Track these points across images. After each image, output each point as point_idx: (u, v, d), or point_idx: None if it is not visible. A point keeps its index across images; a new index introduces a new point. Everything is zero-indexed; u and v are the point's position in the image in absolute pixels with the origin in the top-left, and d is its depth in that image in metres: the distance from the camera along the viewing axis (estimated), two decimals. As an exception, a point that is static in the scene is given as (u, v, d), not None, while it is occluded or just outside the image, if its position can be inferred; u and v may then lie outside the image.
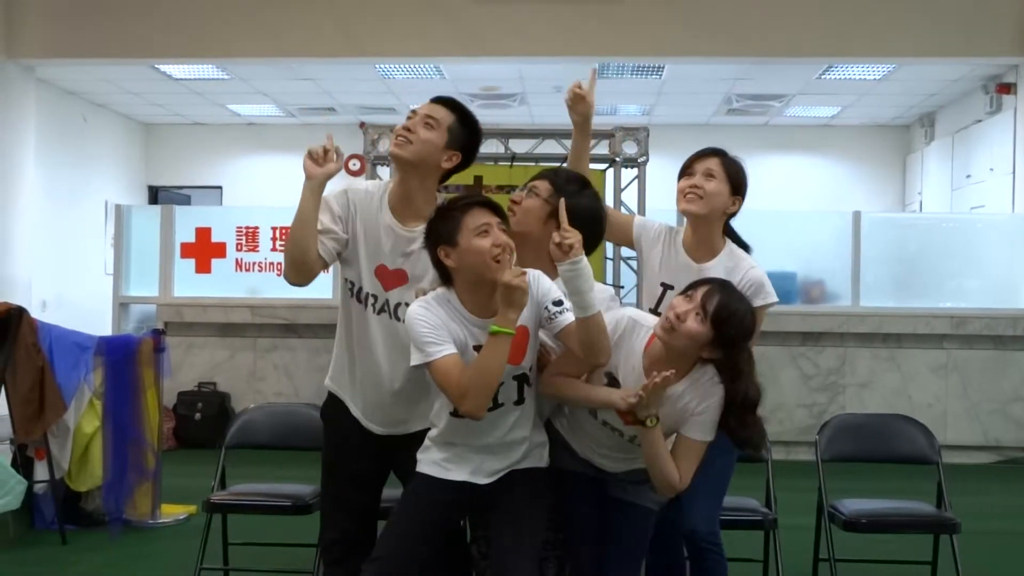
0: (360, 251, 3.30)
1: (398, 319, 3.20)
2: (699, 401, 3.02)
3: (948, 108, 12.12)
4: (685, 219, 3.53)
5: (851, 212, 8.96)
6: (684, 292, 3.05)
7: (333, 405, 3.45)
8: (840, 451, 4.49)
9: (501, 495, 3.08)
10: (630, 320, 3.10)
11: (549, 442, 3.19)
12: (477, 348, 2.96)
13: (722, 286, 3.05)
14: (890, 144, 13.66)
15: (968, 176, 11.18)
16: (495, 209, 3.00)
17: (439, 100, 3.39)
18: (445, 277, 3.02)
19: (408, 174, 3.31)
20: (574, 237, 2.92)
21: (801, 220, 9.51)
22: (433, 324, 2.93)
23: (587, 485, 3.21)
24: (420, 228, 3.14)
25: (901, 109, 12.65)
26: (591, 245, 3.17)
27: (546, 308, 2.97)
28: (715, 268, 3.39)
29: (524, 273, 2.89)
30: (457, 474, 3.06)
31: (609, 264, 7.77)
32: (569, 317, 2.95)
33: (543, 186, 3.26)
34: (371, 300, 3.29)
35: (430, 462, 3.10)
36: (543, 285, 3.01)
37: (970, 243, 9.28)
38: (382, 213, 3.29)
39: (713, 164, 3.45)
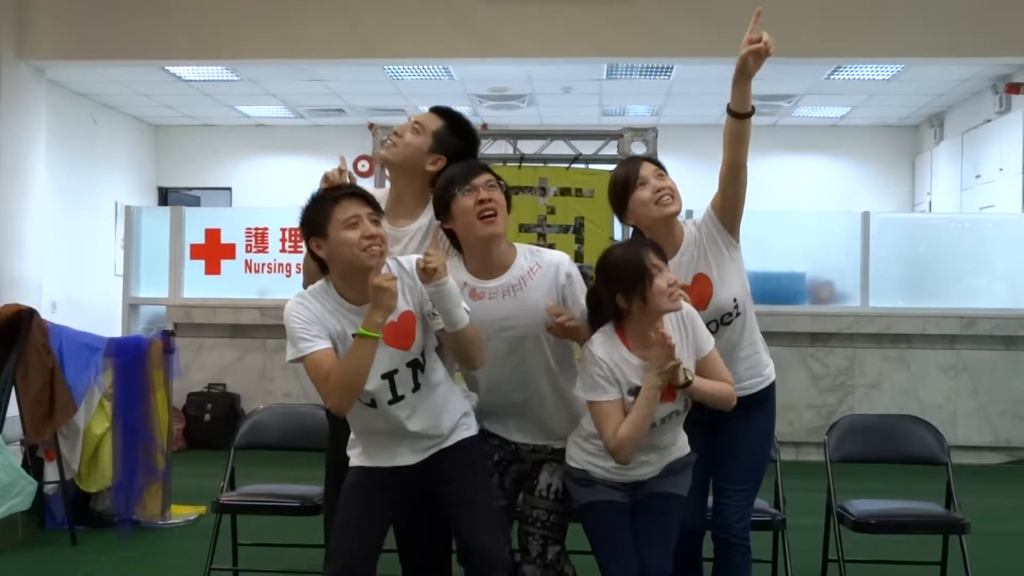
0: None
1: None
2: (687, 327, 3.22)
3: (957, 108, 12.08)
4: (647, 234, 3.46)
5: (860, 212, 8.94)
6: (652, 270, 3.11)
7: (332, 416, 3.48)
8: (849, 452, 4.48)
9: (436, 480, 3.14)
10: (594, 347, 3.17)
11: (576, 481, 3.24)
12: (355, 336, 2.99)
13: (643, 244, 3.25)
14: (899, 144, 13.63)
15: (977, 176, 11.15)
16: (367, 199, 3.07)
17: (434, 108, 3.55)
18: (322, 268, 3.09)
19: (396, 176, 3.53)
20: (437, 260, 2.99)
21: (810, 220, 9.50)
22: (306, 319, 3.01)
23: (621, 510, 3.23)
24: (408, 227, 3.38)
25: (910, 109, 12.61)
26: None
27: (427, 310, 3.09)
28: (680, 263, 3.41)
29: (394, 278, 2.96)
30: (383, 460, 3.14)
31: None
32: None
33: (494, 178, 3.28)
34: None
35: (357, 454, 3.19)
36: (411, 271, 3.10)
37: (980, 243, 9.24)
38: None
39: (655, 166, 3.47)
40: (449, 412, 3.18)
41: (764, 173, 13.23)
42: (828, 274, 9.18)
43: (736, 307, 3.42)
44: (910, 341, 8.76)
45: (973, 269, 9.10)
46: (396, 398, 3.08)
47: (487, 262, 3.25)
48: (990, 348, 8.73)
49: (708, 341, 3.25)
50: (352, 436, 3.23)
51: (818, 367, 8.77)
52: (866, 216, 8.86)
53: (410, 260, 3.12)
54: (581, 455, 3.25)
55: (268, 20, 9.55)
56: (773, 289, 8.47)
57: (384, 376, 3.04)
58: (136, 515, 5.75)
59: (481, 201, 3.18)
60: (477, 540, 3.06)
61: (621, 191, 3.44)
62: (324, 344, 2.99)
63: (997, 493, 7.40)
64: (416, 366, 3.10)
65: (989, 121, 10.81)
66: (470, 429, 3.23)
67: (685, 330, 3.22)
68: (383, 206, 3.31)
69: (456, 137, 3.48)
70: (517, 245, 3.37)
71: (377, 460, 3.16)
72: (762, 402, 3.52)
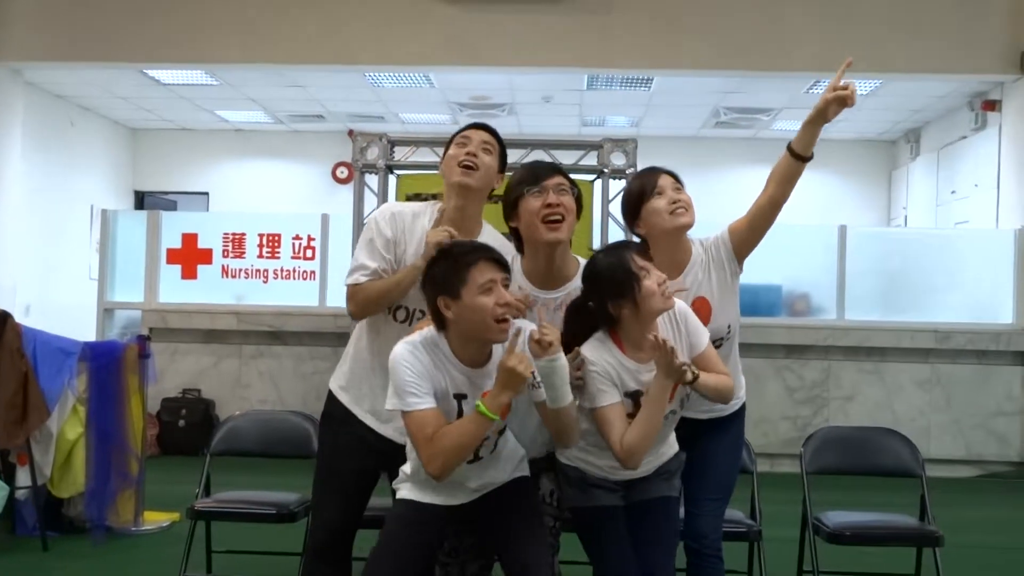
0: None
1: None
2: (680, 325, 3.18)
3: (934, 124, 12.19)
4: (655, 242, 3.42)
5: (837, 226, 8.99)
6: (639, 270, 3.08)
7: (336, 407, 3.47)
8: (824, 464, 4.50)
9: (490, 509, 3.08)
10: (587, 352, 3.12)
11: (571, 482, 3.21)
12: (457, 396, 2.96)
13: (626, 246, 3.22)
14: (876, 159, 13.75)
15: (953, 192, 11.25)
16: (501, 264, 2.97)
17: (484, 127, 3.43)
18: (439, 323, 2.98)
19: (469, 200, 3.36)
20: (553, 335, 2.91)
21: (787, 233, 9.44)
22: (418, 373, 2.91)
23: (614, 514, 3.22)
24: None
25: (887, 124, 12.72)
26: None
27: (529, 380, 2.94)
28: (684, 282, 3.40)
29: (529, 363, 2.86)
30: (435, 498, 3.07)
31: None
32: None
33: (565, 181, 3.26)
34: (417, 316, 3.32)
35: (408, 488, 3.10)
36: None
37: (954, 258, 9.32)
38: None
39: (671, 178, 3.44)
40: (510, 465, 3.14)
41: (742, 186, 13.28)
42: (805, 287, 9.23)
43: (728, 333, 3.44)
44: (885, 354, 8.82)
45: (948, 284, 9.18)
46: (475, 459, 3.02)
47: (546, 270, 3.18)
48: (964, 362, 8.80)
49: (702, 336, 3.22)
50: (403, 476, 3.14)
51: (793, 379, 8.81)
52: (843, 229, 8.91)
53: (525, 332, 2.99)
54: (574, 452, 3.21)
55: (248, 25, 9.54)
56: (750, 301, 8.44)
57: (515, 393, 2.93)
58: (109, 521, 5.70)
59: (549, 204, 3.14)
60: (523, 567, 3.00)
61: (636, 199, 3.40)
62: (431, 403, 2.89)
63: (970, 506, 7.45)
64: (502, 432, 3.05)
65: (965, 137, 10.91)
66: (524, 471, 3.17)
67: (678, 327, 3.19)
68: (432, 226, 3.29)
69: (503, 151, 3.45)
70: (580, 260, 3.32)
71: (429, 497, 3.07)
72: (735, 419, 3.57)
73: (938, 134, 12.00)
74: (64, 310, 10.90)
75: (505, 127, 12.79)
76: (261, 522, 4.41)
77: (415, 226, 3.34)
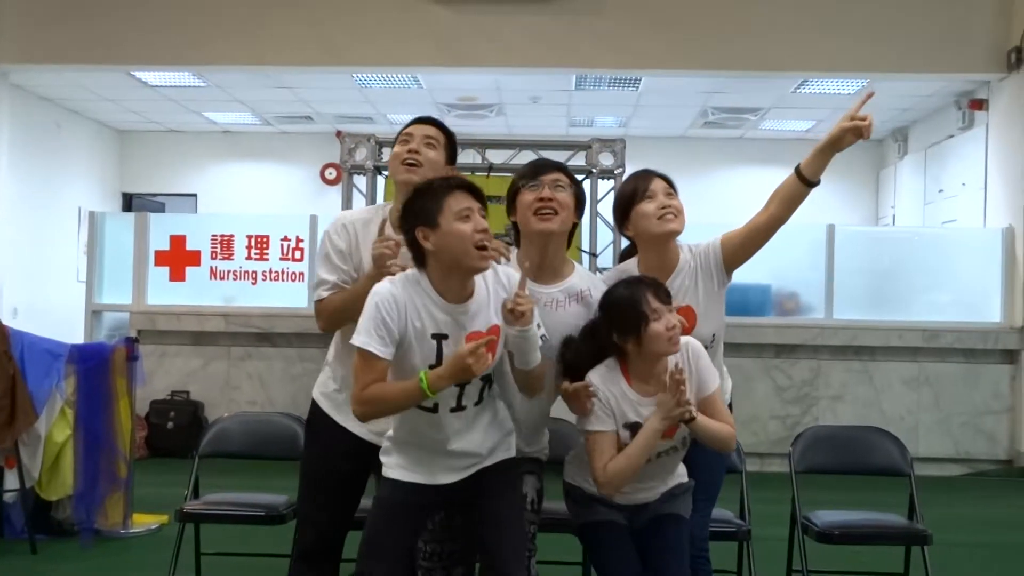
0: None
1: None
2: (691, 364, 3.17)
3: (921, 123, 12.23)
4: (643, 247, 3.46)
5: (825, 225, 9.02)
6: (651, 315, 3.09)
7: (319, 415, 3.48)
8: (813, 463, 4.51)
9: (474, 493, 3.07)
10: (594, 378, 3.16)
11: (575, 503, 3.26)
12: (436, 336, 2.94)
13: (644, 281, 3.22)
14: (864, 158, 13.76)
15: (940, 191, 11.28)
16: (476, 193, 2.98)
17: (427, 121, 3.45)
18: (419, 259, 2.98)
19: None
20: (527, 305, 2.92)
21: (775, 233, 9.53)
22: (390, 316, 2.89)
23: (620, 531, 3.24)
24: None
25: (875, 124, 12.72)
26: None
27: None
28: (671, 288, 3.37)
29: (487, 361, 2.86)
30: (423, 476, 3.05)
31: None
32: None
33: (564, 178, 3.30)
34: None
35: (394, 465, 3.09)
36: (514, 282, 3.01)
37: (942, 257, 9.37)
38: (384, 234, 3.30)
39: (666, 184, 3.43)
40: (493, 431, 3.10)
41: (730, 185, 13.35)
42: (793, 286, 9.25)
43: (712, 341, 3.44)
44: (873, 353, 8.85)
45: (936, 283, 9.22)
46: (459, 407, 3.00)
47: (539, 261, 3.21)
48: (952, 361, 8.83)
49: (711, 380, 3.22)
50: (388, 443, 3.12)
51: (783, 379, 8.83)
52: (831, 229, 8.94)
53: (509, 274, 3.03)
54: (579, 474, 3.26)
55: (236, 26, 9.52)
56: (739, 300, 8.51)
57: (457, 383, 2.94)
58: (97, 524, 5.68)
59: (542, 199, 3.20)
60: (501, 564, 2.99)
61: (627, 201, 3.41)
62: (388, 355, 2.89)
63: (958, 504, 7.48)
64: (487, 381, 3.03)
65: (952, 136, 10.95)
66: (510, 450, 3.15)
67: (688, 366, 3.19)
68: (386, 228, 3.28)
69: (452, 143, 3.45)
70: (577, 265, 3.38)
71: (415, 475, 3.05)
72: None
73: (925, 133, 12.03)
74: (52, 312, 10.86)
75: (493, 128, 12.91)
76: (250, 524, 4.41)
77: (367, 232, 3.34)
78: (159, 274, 9.04)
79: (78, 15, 9.53)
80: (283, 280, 8.92)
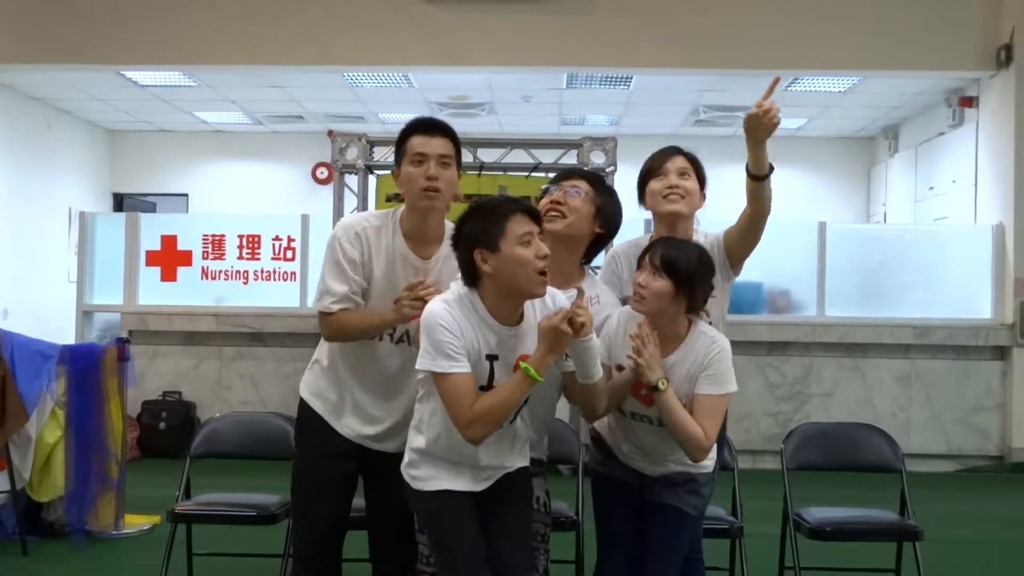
0: (379, 288, 3.30)
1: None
2: (702, 359, 3.16)
3: (912, 121, 12.25)
4: (655, 224, 3.54)
5: (816, 222, 9.04)
6: (638, 267, 3.20)
7: (310, 416, 3.45)
8: (805, 460, 4.51)
9: (493, 500, 3.05)
10: (627, 313, 3.23)
11: (596, 451, 3.36)
12: (489, 356, 2.92)
13: (663, 242, 3.20)
14: (855, 155, 13.80)
15: (931, 188, 11.31)
16: (536, 217, 2.97)
17: (435, 130, 3.32)
18: (472, 280, 2.95)
19: (433, 214, 3.32)
20: (586, 316, 2.90)
21: (767, 230, 9.51)
22: (455, 333, 2.87)
23: (625, 490, 3.30)
24: (436, 255, 3.25)
25: (866, 121, 12.77)
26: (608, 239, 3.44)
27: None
28: None
29: (574, 319, 2.85)
30: (451, 483, 2.99)
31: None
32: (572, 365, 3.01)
33: (584, 185, 3.35)
34: (387, 331, 3.31)
35: (427, 476, 3.01)
36: (559, 303, 2.99)
37: (933, 254, 9.39)
38: (395, 244, 3.29)
39: (684, 163, 3.47)
40: (517, 444, 3.09)
41: (722, 183, 13.27)
42: (785, 283, 9.27)
43: None
44: (865, 350, 8.87)
45: (926, 280, 9.24)
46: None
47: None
48: (943, 357, 8.85)
49: (717, 385, 3.17)
50: (415, 456, 3.03)
51: (775, 376, 8.85)
52: (822, 226, 8.96)
53: (555, 297, 3.01)
54: (604, 423, 3.37)
55: (227, 26, 9.50)
56: (731, 298, 8.51)
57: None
58: (89, 525, 5.67)
59: (554, 201, 3.30)
60: (508, 573, 2.97)
61: (643, 177, 3.51)
62: (467, 367, 2.86)
63: (950, 500, 7.50)
64: (525, 400, 3.00)
65: (943, 134, 10.97)
66: (525, 458, 3.14)
67: (701, 358, 3.18)
68: (395, 234, 3.29)
69: (460, 153, 3.37)
70: (591, 272, 3.45)
71: (448, 483, 2.99)
72: None
73: (916, 131, 12.06)
74: (43, 313, 10.84)
75: (485, 126, 12.90)
76: (242, 524, 4.40)
77: (380, 242, 3.30)
78: (150, 274, 9.02)
79: (68, 15, 9.50)
80: (275, 280, 8.91)
